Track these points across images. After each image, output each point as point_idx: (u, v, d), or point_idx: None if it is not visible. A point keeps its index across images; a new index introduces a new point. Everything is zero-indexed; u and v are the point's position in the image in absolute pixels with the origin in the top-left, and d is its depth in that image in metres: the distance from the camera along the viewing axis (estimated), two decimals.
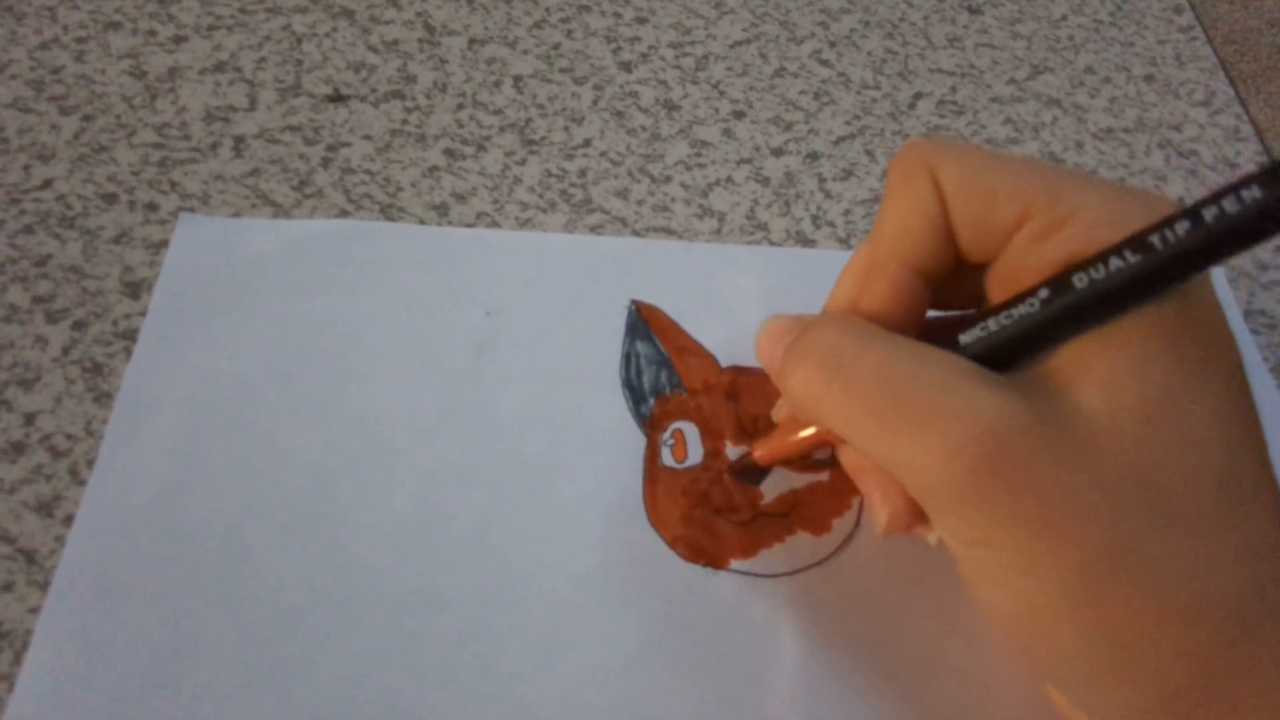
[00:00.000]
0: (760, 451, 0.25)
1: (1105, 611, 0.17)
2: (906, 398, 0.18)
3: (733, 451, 0.26)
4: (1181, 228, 0.17)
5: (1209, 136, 0.35)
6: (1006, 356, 0.19)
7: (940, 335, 0.20)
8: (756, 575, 0.24)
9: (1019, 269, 0.19)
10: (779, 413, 0.25)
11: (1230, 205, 0.16)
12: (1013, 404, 0.17)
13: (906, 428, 0.18)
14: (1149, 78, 0.37)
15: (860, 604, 0.24)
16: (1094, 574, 0.17)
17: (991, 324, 0.19)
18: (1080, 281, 0.17)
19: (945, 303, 0.22)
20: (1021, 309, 0.18)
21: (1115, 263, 0.17)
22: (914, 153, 0.20)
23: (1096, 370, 0.17)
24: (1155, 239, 0.17)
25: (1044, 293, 0.18)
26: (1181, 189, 0.34)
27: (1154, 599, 0.16)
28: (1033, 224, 0.19)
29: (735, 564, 0.24)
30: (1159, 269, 0.17)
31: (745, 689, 0.22)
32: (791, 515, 0.25)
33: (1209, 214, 0.16)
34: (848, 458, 0.23)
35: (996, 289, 0.20)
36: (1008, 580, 0.18)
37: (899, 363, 0.18)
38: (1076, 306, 0.17)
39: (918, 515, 0.20)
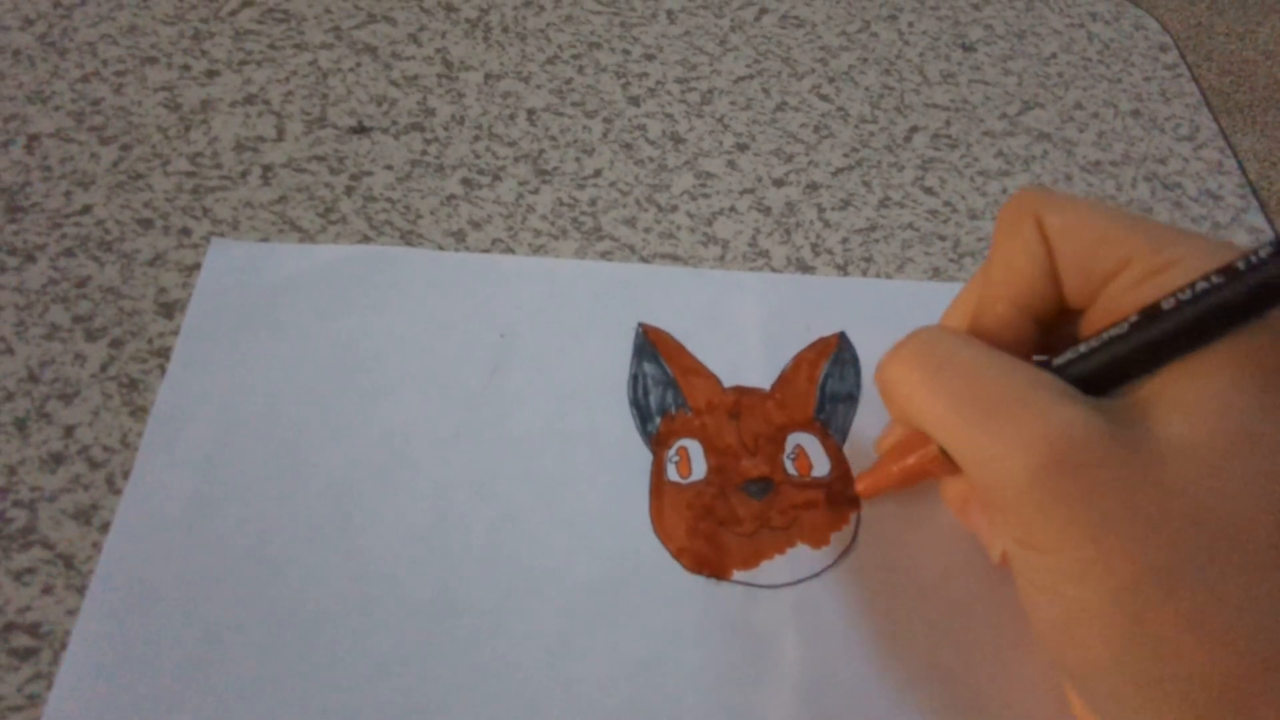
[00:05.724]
0: (862, 485, 0.26)
1: (1146, 627, 0.17)
2: (990, 393, 0.19)
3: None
4: (1265, 251, 0.17)
5: (1193, 170, 0.37)
6: (1097, 380, 0.19)
7: None
8: (758, 586, 0.25)
9: (1115, 310, 0.20)
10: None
11: None
12: (1089, 414, 0.18)
13: (985, 420, 0.18)
14: (1135, 113, 0.39)
15: (857, 614, 0.25)
16: (1141, 590, 0.17)
17: (1083, 347, 0.20)
18: (1168, 304, 0.18)
19: (1044, 348, 0.22)
20: (1111, 332, 0.19)
21: (1201, 285, 0.18)
22: (1021, 201, 0.21)
23: (1181, 397, 0.18)
24: (1240, 263, 0.18)
25: (1134, 318, 0.19)
26: (1167, 220, 0.35)
27: (1195, 622, 0.17)
28: (1133, 269, 0.19)
29: (738, 575, 0.25)
30: (1243, 294, 0.17)
31: (747, 694, 0.23)
32: (792, 528, 0.26)
33: None
34: (950, 493, 0.24)
35: (1091, 331, 0.21)
36: (1056, 586, 0.18)
37: (989, 364, 0.19)
38: (1164, 331, 0.18)
39: None
